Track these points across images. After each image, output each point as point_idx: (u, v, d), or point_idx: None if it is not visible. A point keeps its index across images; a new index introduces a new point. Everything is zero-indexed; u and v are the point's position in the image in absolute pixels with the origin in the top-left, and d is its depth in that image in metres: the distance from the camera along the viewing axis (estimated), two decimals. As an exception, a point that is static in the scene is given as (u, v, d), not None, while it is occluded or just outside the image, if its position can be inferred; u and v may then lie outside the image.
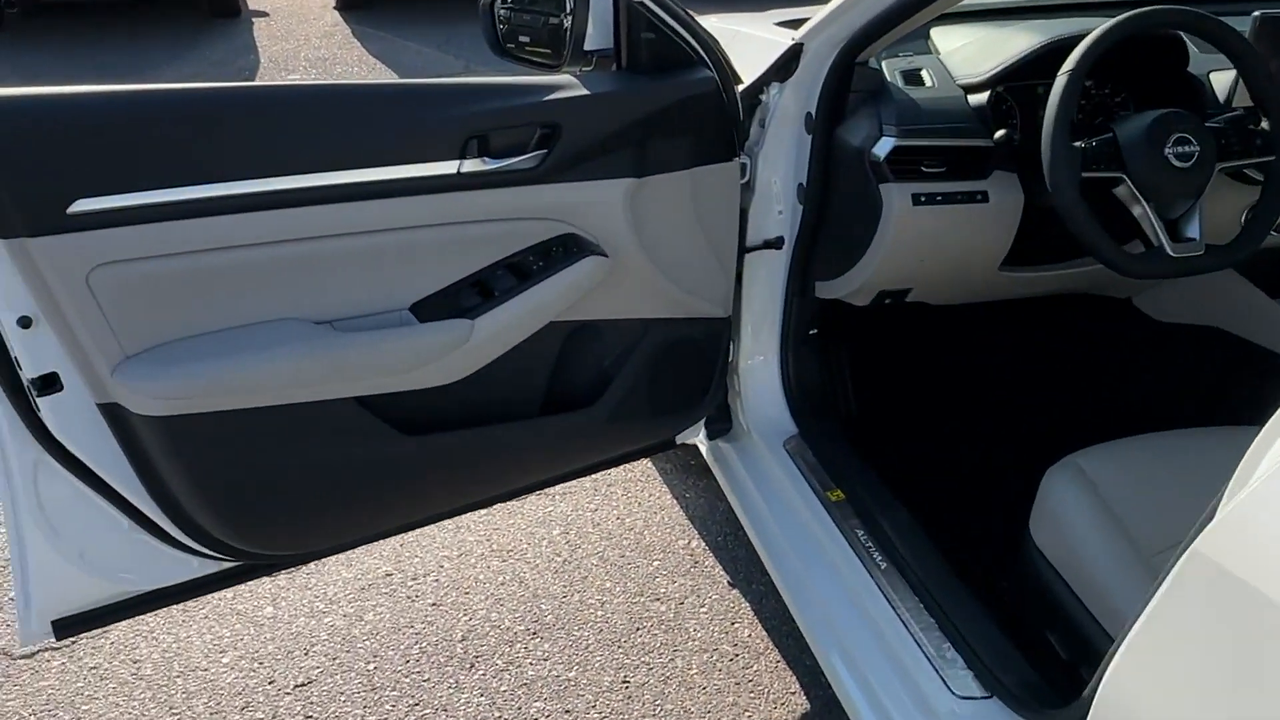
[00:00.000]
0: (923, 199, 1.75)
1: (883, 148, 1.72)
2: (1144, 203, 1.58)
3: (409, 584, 2.30)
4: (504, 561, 2.37)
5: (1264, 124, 1.65)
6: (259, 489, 1.50)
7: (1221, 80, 1.88)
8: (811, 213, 1.94)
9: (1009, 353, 2.52)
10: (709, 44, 1.72)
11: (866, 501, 1.85)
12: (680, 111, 1.69)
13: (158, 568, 1.59)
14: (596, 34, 1.75)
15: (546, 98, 1.58)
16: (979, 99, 1.78)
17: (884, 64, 1.88)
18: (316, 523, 1.58)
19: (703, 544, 2.44)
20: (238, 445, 1.45)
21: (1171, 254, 1.58)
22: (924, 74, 1.86)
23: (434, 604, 2.24)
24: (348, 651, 2.11)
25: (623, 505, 2.57)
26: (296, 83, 1.41)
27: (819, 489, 1.92)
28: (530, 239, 1.64)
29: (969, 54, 1.88)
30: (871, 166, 1.74)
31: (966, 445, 2.32)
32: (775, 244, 2.00)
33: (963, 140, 1.75)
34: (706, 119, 1.75)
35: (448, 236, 1.56)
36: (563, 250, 1.66)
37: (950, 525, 1.90)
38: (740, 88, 1.88)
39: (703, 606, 2.25)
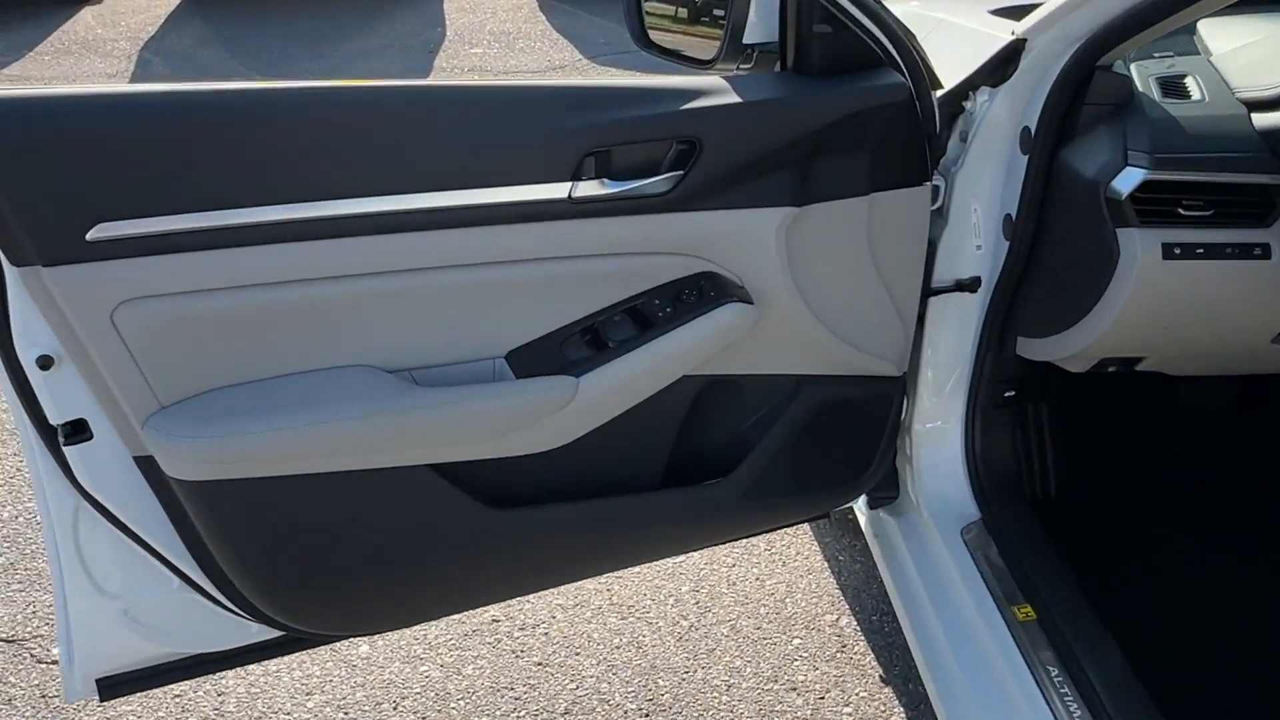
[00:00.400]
0: (1177, 250, 1.32)
1: (1126, 181, 1.31)
2: None
3: (515, 635, 2.06)
4: (623, 619, 2.09)
5: None
6: (312, 565, 1.27)
7: None
8: (1019, 252, 1.54)
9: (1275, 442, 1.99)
10: (901, 40, 1.35)
11: (1065, 629, 1.45)
12: (859, 124, 1.34)
13: (212, 631, 1.39)
14: (759, 24, 1.41)
15: (686, 105, 1.26)
16: (1268, 120, 1.33)
17: (1134, 68, 1.45)
18: (378, 605, 1.34)
19: (854, 623, 2.08)
20: (288, 516, 1.22)
21: None
22: (1189, 83, 1.41)
23: (540, 663, 1.99)
24: (439, 711, 1.89)
25: (765, 563, 2.24)
26: (375, 82, 1.15)
27: (1002, 601, 1.53)
28: (657, 278, 1.33)
29: (1256, 56, 1.42)
30: (1109, 204, 1.33)
31: (1215, 566, 1.83)
32: (969, 286, 1.61)
33: (1241, 175, 1.31)
34: (893, 134, 1.38)
35: (554, 273, 1.28)
36: (697, 294, 1.34)
37: (1182, 682, 1.47)
38: (939, 93, 1.50)
39: (847, 705, 1.90)
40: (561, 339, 1.31)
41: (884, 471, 1.66)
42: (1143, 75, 1.43)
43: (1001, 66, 1.48)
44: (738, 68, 1.45)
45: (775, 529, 1.65)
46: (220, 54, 6.56)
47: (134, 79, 6.13)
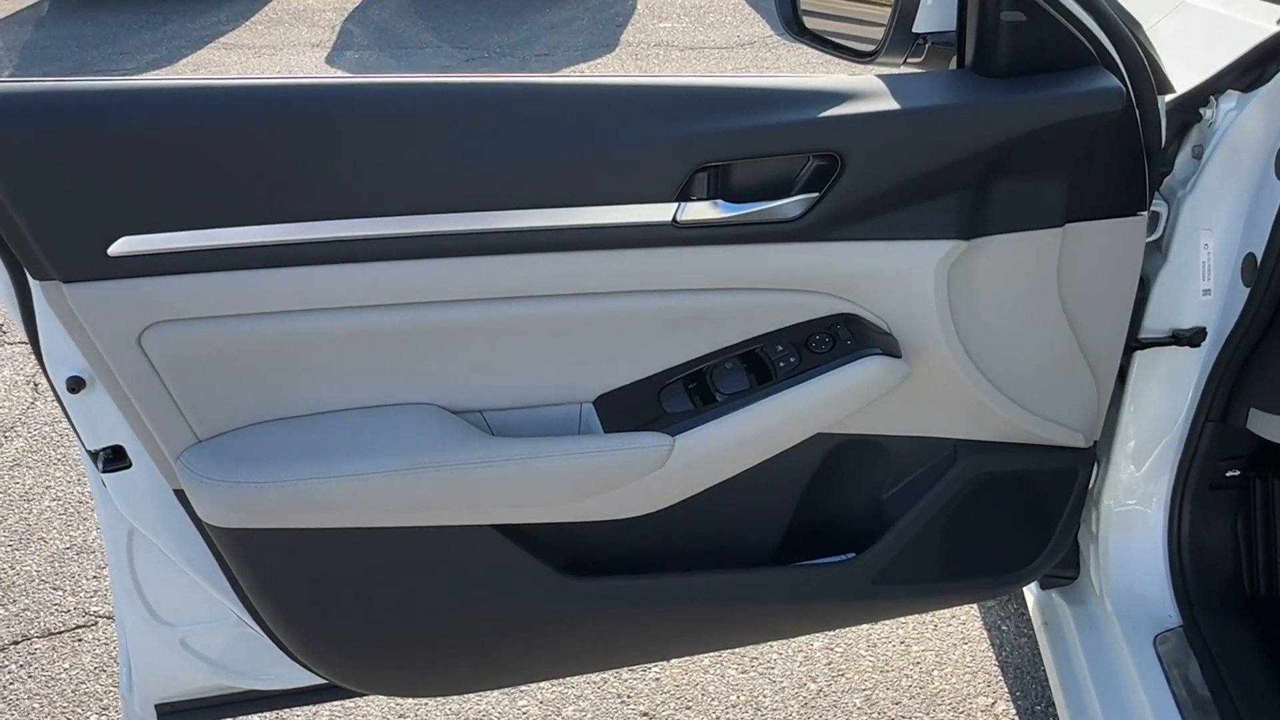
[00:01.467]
0: None
1: None
2: None
3: (625, 676, 1.88)
4: (744, 673, 1.88)
5: None
6: (358, 623, 1.12)
7: None
8: (1264, 303, 1.20)
9: None
10: (1121, 31, 1.05)
11: None
12: (1056, 139, 1.05)
13: (270, 668, 1.28)
14: (934, 8, 1.14)
15: (828, 112, 1.01)
16: None
17: None
18: (432, 670, 1.18)
19: (1012, 711, 1.78)
20: (333, 570, 1.08)
21: None
22: None
23: (645, 714, 1.81)
24: (532, 756, 1.74)
25: (913, 625, 1.96)
26: (439, 77, 0.96)
27: None
28: (781, 320, 1.10)
29: None
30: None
31: None
32: (1190, 339, 1.28)
33: None
34: (1102, 151, 1.09)
35: (654, 309, 1.07)
36: (831, 341, 1.10)
37: None
38: (1168, 98, 1.18)
39: (994, 816, 1.61)
40: (659, 386, 1.10)
41: (1059, 558, 1.36)
42: None
43: (1258, 65, 1.14)
44: (904, 62, 1.19)
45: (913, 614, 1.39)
46: (416, 25, 6.68)
47: (334, 49, 6.32)
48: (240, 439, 1.01)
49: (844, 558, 1.25)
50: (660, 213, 1.01)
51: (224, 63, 6.06)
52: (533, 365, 1.07)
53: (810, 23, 1.28)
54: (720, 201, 1.02)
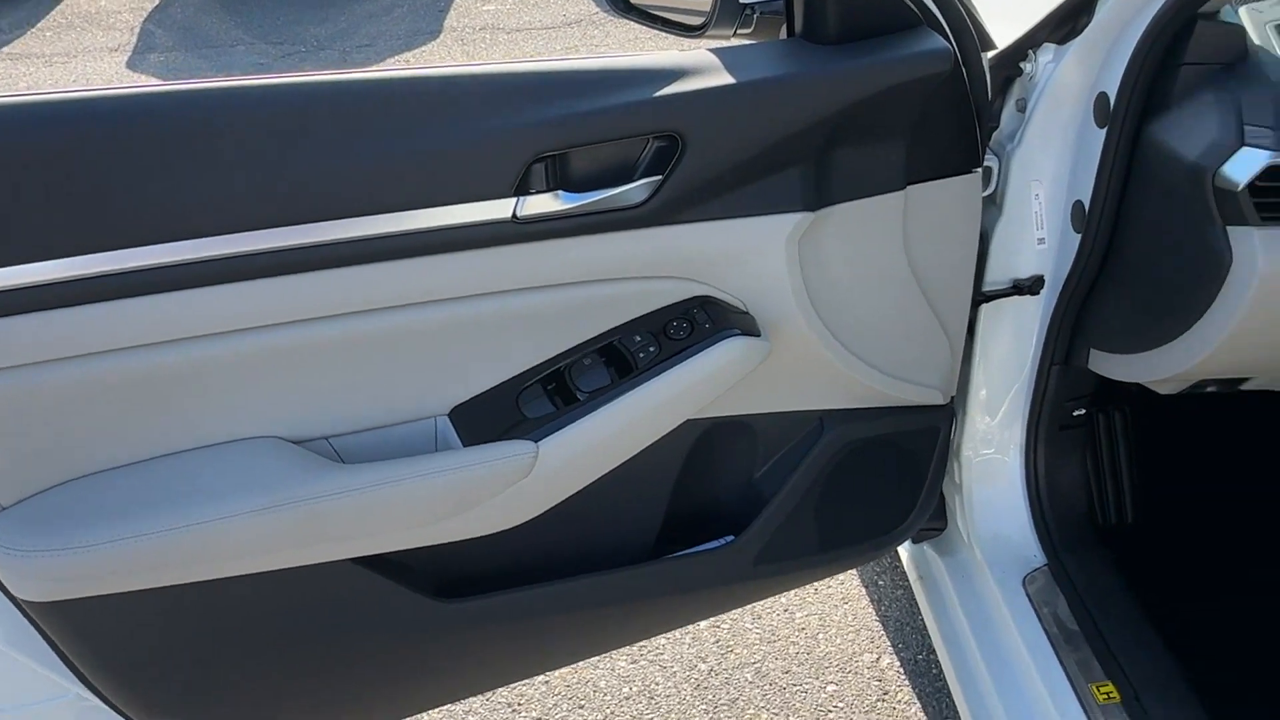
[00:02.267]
0: (1308, 251, 1.02)
1: (1243, 167, 1.00)
2: None
3: (512, 686, 1.82)
4: (634, 664, 1.85)
5: None
6: (222, 686, 1.03)
7: None
8: (1094, 248, 1.24)
9: None
10: (943, -9, 1.05)
11: (1153, 709, 1.18)
12: (890, 103, 1.05)
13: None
14: (760, -22, 1.11)
15: (664, 90, 0.97)
16: None
17: (1244, 13, 1.13)
18: (307, 717, 1.10)
19: (896, 664, 1.82)
20: (180, 632, 0.98)
21: None
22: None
23: (539, 718, 1.76)
24: (424, 781, 1.67)
25: (794, 592, 1.98)
26: (245, 80, 0.88)
27: (1078, 676, 1.26)
28: (636, 310, 1.06)
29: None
30: (1218, 195, 1.03)
31: None
32: (1030, 287, 1.32)
33: (1398, 156, 1.00)
34: (934, 111, 1.09)
35: (502, 311, 1.01)
36: (688, 326, 1.07)
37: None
38: (990, 55, 1.20)
39: (890, 770, 1.64)
40: (518, 391, 1.04)
41: (929, 514, 1.39)
42: (1258, 23, 1.11)
43: (1071, 18, 1.17)
44: (734, 34, 1.16)
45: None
46: (224, 21, 6.31)
47: (135, 53, 5.90)
48: (52, 499, 0.90)
49: (723, 542, 1.23)
50: (499, 209, 0.95)
51: (10, 75, 5.57)
52: (378, 383, 1.00)
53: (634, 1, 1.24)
54: (561, 192, 0.97)
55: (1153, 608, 1.34)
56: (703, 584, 1.23)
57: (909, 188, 1.14)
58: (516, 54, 5.74)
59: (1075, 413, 1.42)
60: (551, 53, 5.67)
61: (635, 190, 0.99)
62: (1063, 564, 1.39)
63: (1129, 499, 1.59)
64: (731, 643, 1.88)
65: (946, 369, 1.29)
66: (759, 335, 1.09)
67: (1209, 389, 1.27)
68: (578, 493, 1.10)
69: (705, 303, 1.08)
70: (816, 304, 1.13)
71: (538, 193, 0.96)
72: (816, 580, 1.35)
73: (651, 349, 1.05)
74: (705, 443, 1.19)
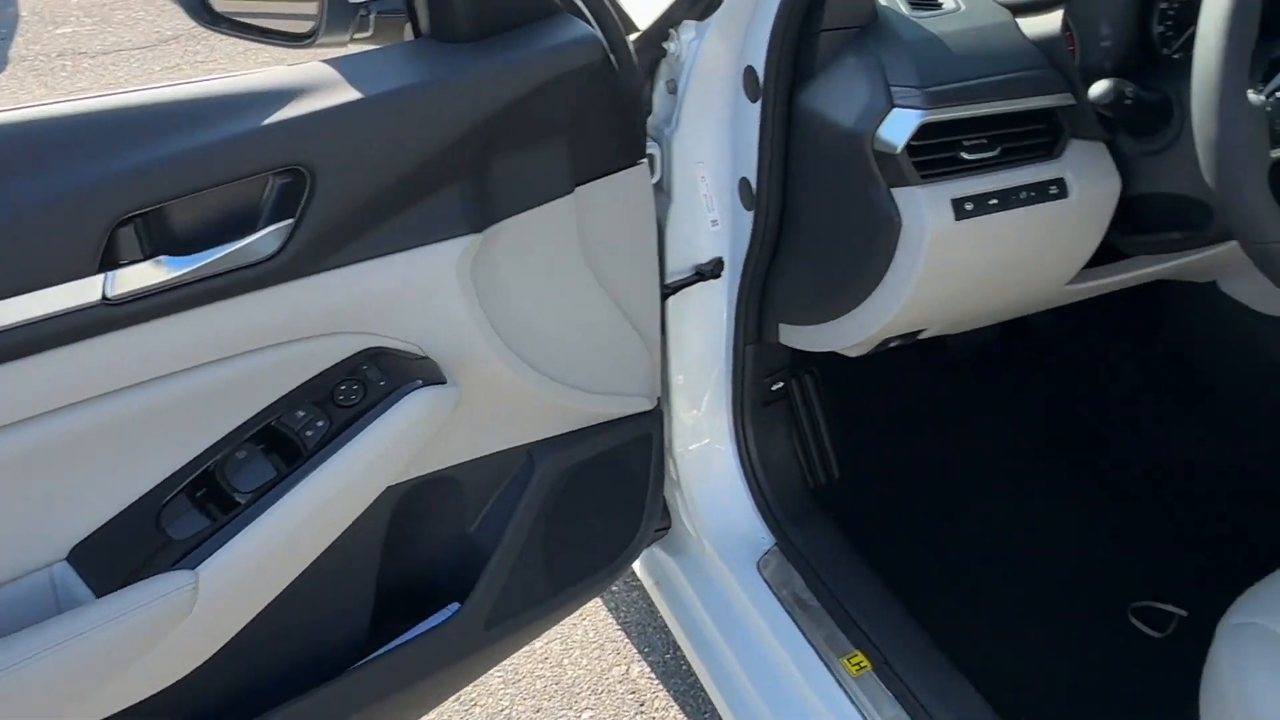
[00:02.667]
0: (969, 206, 1.03)
1: (898, 128, 1.00)
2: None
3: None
4: (370, 749, 1.65)
5: None
6: None
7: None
8: (767, 224, 1.22)
9: (1082, 378, 1.80)
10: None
11: (907, 678, 1.19)
12: (541, 102, 0.94)
13: None
14: (367, -27, 0.96)
15: (279, 116, 0.80)
16: (1040, 25, 1.06)
17: (866, -24, 1.14)
18: None
19: (646, 670, 1.76)
20: None
21: None
22: (940, -13, 1.13)
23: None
24: None
25: (529, 621, 1.86)
26: None
27: (827, 653, 1.25)
28: (293, 380, 0.88)
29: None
30: (879, 159, 1.02)
31: (1028, 535, 1.60)
32: (711, 271, 1.28)
33: (1025, 100, 1.04)
34: (590, 105, 1.00)
35: (116, 416, 0.79)
36: (362, 388, 0.90)
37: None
38: (633, 38, 1.13)
39: (662, 784, 1.58)
40: (156, 509, 0.83)
41: (657, 522, 1.32)
42: (880, -15, 1.12)
43: (705, -7, 1.12)
44: (351, 39, 1.00)
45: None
46: None
47: None
48: None
49: (449, 613, 1.08)
50: (83, 292, 0.74)
51: None
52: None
53: (223, 5, 1.03)
54: (165, 258, 0.77)
55: (882, 564, 1.36)
56: (435, 665, 1.07)
57: (578, 190, 1.04)
58: (109, 82, 5.07)
59: (774, 387, 1.42)
60: (151, 77, 5.07)
61: (263, 240, 0.81)
62: (790, 540, 1.38)
63: (833, 458, 1.62)
64: (474, 695, 1.73)
65: (648, 372, 1.22)
66: (445, 381, 0.95)
67: (892, 345, 1.30)
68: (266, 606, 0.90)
69: (376, 356, 0.92)
70: (502, 333, 1.01)
71: (132, 263, 0.75)
72: (558, 622, 1.24)
73: (320, 423, 0.88)
74: (407, 510, 1.03)
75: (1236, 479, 1.59)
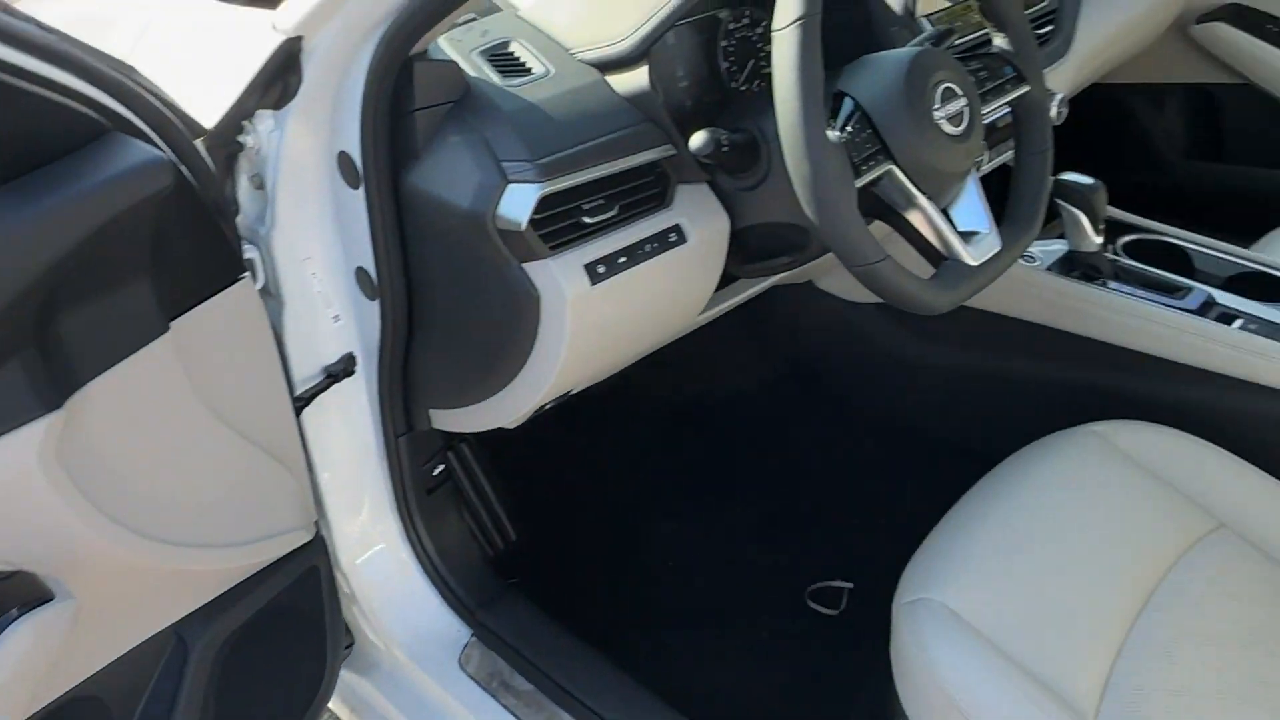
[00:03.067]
0: (601, 269, 1.03)
1: (517, 205, 0.96)
2: (923, 199, 1.03)
3: None
4: None
5: (1000, 42, 1.16)
6: None
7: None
8: (396, 310, 1.14)
9: (716, 386, 1.87)
10: (119, 85, 0.81)
11: None
12: (111, 240, 0.79)
13: None
14: None
15: None
16: (630, 82, 1.08)
17: (445, 45, 1.09)
18: None
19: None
20: None
21: (972, 261, 1.05)
22: (520, 53, 1.10)
23: None
24: None
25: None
26: None
27: None
28: None
29: (575, 9, 1.15)
30: (504, 237, 0.98)
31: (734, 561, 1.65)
32: (344, 370, 1.18)
33: (634, 157, 1.05)
34: (168, 229, 0.86)
35: None
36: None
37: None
38: (201, 140, 0.99)
39: None
40: None
41: (347, 654, 1.19)
42: (462, 52, 1.07)
43: (279, 78, 1.01)
44: None
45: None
46: None
47: None
48: None
49: None
50: None
51: None
52: None
53: None
54: None
55: (578, 616, 1.34)
56: None
57: (174, 325, 0.89)
58: None
59: (435, 472, 1.34)
60: None
61: None
62: (488, 627, 1.32)
63: (507, 520, 1.58)
64: None
65: (299, 501, 1.09)
66: (52, 595, 0.77)
67: (547, 408, 1.27)
68: None
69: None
70: (114, 513, 0.84)
71: None
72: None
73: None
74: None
75: (854, 448, 1.77)
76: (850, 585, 1.54)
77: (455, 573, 1.34)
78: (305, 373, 1.14)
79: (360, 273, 1.13)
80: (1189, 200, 2.23)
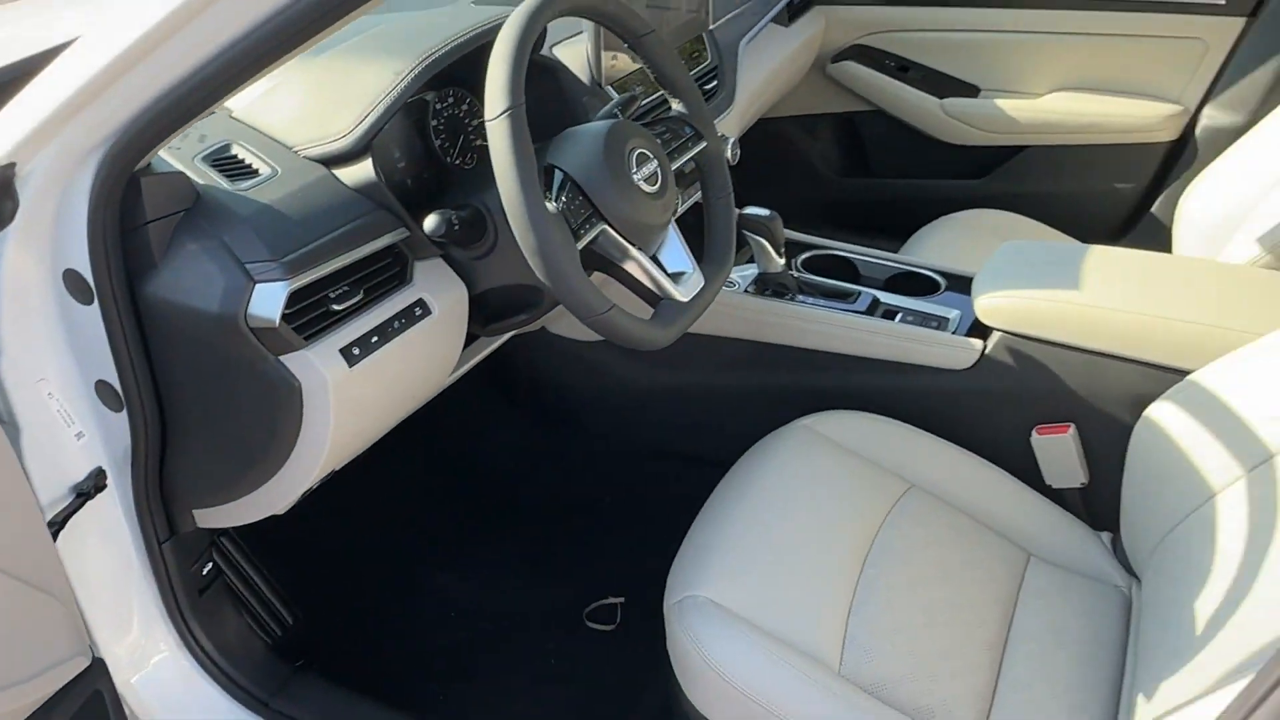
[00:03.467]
0: (356, 351, 1.09)
1: (267, 303, 1.01)
2: (635, 250, 1.18)
3: None
4: None
5: (676, 106, 1.34)
6: None
7: (572, 55, 1.52)
8: (147, 418, 1.14)
9: (469, 434, 1.94)
10: None
11: None
12: None
13: None
14: None
15: None
16: (357, 174, 1.15)
17: (170, 159, 1.11)
18: None
19: None
20: None
21: (683, 298, 1.22)
22: (242, 155, 1.14)
23: None
24: None
25: None
26: None
27: None
28: None
29: (288, 107, 1.20)
30: (257, 335, 1.02)
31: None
32: (95, 486, 1.16)
33: (369, 245, 1.12)
34: None
35: None
36: None
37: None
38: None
39: None
40: None
41: None
42: (184, 160, 1.10)
43: (-11, 204, 0.99)
44: None
45: None
46: None
47: None
48: None
49: None
50: None
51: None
52: None
53: None
54: None
55: (369, 680, 1.38)
56: None
57: None
58: None
59: (204, 571, 1.33)
60: None
61: None
62: (284, 714, 1.32)
63: (279, 604, 1.57)
64: None
65: (71, 626, 1.06)
66: None
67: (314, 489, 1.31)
68: None
69: None
70: None
71: None
72: None
73: None
74: None
75: (608, 474, 1.91)
76: (622, 600, 1.67)
77: (241, 668, 1.33)
78: (54, 495, 1.12)
79: (101, 385, 1.12)
80: (850, 212, 2.58)
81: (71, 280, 1.05)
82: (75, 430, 1.13)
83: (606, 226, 1.15)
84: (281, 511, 1.26)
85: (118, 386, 1.11)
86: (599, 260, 1.20)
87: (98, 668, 1.11)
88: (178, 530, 1.25)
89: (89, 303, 1.06)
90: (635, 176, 1.17)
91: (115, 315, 1.06)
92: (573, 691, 1.56)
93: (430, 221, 1.09)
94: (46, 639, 1.02)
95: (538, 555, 1.78)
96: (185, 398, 1.12)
